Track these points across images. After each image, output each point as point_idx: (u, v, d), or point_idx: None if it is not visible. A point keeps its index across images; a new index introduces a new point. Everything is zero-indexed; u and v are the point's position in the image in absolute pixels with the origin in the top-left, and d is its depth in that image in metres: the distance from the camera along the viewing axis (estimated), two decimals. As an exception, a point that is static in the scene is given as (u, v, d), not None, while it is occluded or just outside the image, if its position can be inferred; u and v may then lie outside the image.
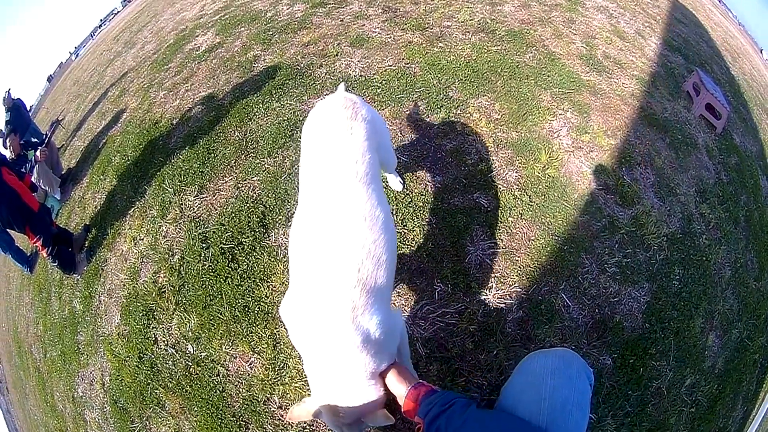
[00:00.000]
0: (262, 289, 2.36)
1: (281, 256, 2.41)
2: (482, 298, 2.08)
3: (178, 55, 4.69)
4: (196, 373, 2.35)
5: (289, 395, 2.08)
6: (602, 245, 2.37)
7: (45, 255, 3.41)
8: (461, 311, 2.05)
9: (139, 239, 3.02)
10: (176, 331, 2.51)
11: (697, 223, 2.86)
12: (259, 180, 2.77)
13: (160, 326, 2.57)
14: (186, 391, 2.34)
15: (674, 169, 3.04)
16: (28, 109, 7.42)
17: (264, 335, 2.23)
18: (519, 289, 2.12)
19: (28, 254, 4.36)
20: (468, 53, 3.26)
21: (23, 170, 4.06)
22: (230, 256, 2.51)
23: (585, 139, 2.79)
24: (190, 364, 2.39)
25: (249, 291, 2.38)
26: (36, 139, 5.23)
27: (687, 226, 2.78)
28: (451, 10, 3.76)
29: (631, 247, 2.45)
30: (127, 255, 3.05)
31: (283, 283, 2.32)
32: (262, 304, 2.32)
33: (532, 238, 2.26)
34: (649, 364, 2.16)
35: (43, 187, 4.29)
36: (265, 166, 2.82)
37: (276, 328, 2.23)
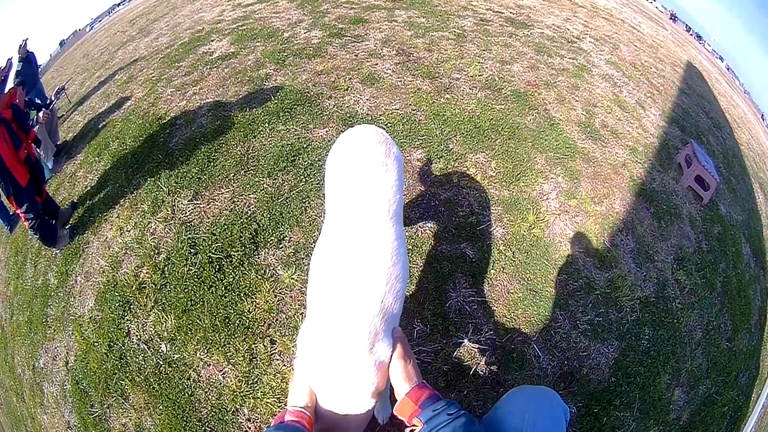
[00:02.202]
0: (246, 303, 2.50)
1: (269, 275, 2.58)
2: (458, 341, 2.35)
3: (191, 55, 4.89)
4: (167, 373, 2.44)
5: (259, 409, 2.20)
6: (577, 303, 2.68)
7: (27, 227, 3.39)
8: (437, 351, 2.29)
9: (126, 230, 3.12)
10: (151, 329, 2.60)
11: (671, 288, 3.16)
12: (255, 198, 2.96)
13: (135, 320, 2.66)
14: (153, 388, 2.42)
15: (655, 237, 3.37)
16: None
17: (241, 348, 2.35)
18: (494, 337, 2.39)
19: (11, 213, 4.26)
20: (473, 108, 3.60)
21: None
22: (217, 266, 2.65)
23: (572, 203, 3.13)
24: (161, 363, 2.48)
25: (232, 303, 2.51)
26: (39, 101, 5.08)
27: (661, 290, 3.09)
28: (462, 62, 4.13)
29: (605, 307, 2.75)
30: (111, 242, 3.14)
31: (267, 301, 2.49)
32: (243, 318, 2.45)
33: (511, 291, 2.57)
34: (613, 414, 2.40)
35: (39, 150, 4.21)
36: (264, 185, 3.02)
37: (254, 344, 2.37)
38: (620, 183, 3.53)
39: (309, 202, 2.88)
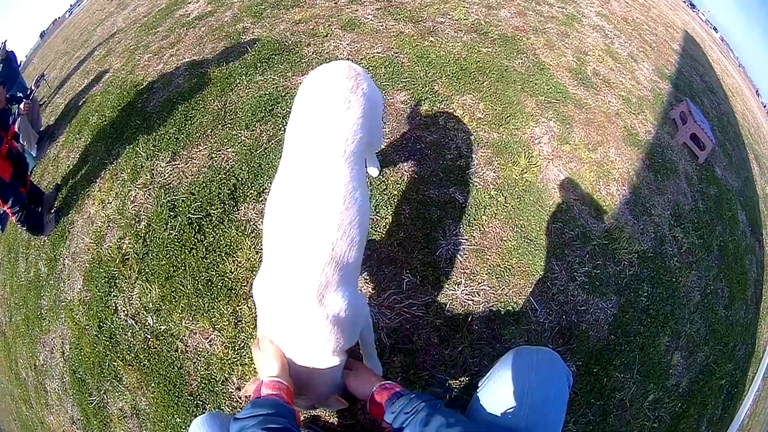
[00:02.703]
0: (227, 263, 2.40)
1: (249, 231, 2.47)
2: (450, 292, 2.19)
3: (168, 19, 4.75)
4: (155, 347, 2.37)
5: (248, 376, 2.11)
6: (573, 254, 2.52)
7: (14, 221, 3.42)
8: (428, 304, 2.14)
9: (107, 202, 3.05)
10: (137, 302, 2.53)
11: (669, 245, 3.03)
12: (233, 152, 2.84)
13: (122, 295, 2.59)
14: (144, 365, 2.36)
15: (651, 191, 3.23)
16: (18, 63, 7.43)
17: (225, 312, 2.26)
18: (487, 288, 2.23)
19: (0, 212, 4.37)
20: (458, 51, 3.40)
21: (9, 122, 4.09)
22: (197, 227, 2.55)
23: (565, 149, 2.95)
24: (149, 336, 2.41)
25: (213, 265, 2.41)
26: (21, 94, 5.15)
27: (659, 246, 2.96)
28: (446, 7, 3.91)
29: (602, 259, 2.60)
30: (94, 218, 3.08)
31: (249, 259, 2.38)
32: (225, 279, 2.35)
33: (504, 238, 2.39)
34: (613, 375, 2.29)
35: (21, 142, 4.28)
36: (242, 138, 2.89)
37: (238, 306, 2.27)
38: (614, 132, 3.37)
39: None
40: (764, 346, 3.80)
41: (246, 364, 2.13)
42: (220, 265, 2.40)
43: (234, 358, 2.16)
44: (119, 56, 4.74)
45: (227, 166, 2.77)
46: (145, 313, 2.47)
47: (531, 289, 2.29)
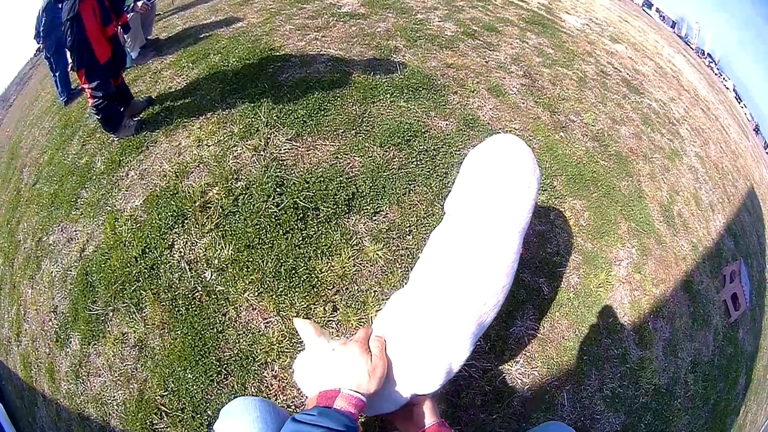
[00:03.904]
0: (320, 262, 2.42)
1: (354, 242, 2.54)
2: (507, 367, 2.48)
3: (317, 1, 4.87)
4: (200, 301, 2.33)
5: (291, 370, 2.07)
6: (609, 369, 2.86)
7: (90, 104, 3.22)
8: (486, 370, 2.39)
9: (205, 144, 3.02)
10: (201, 251, 2.48)
11: (680, 387, 3.34)
12: (360, 162, 2.91)
13: (185, 236, 2.54)
14: (178, 310, 2.32)
15: (685, 335, 3.56)
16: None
17: (298, 305, 2.28)
18: (537, 374, 2.56)
19: (74, 86, 4.32)
20: (580, 155, 3.74)
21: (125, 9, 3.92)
22: (302, 215, 2.58)
23: (636, 278, 3.31)
24: (198, 288, 2.37)
25: (305, 256, 2.42)
26: None
27: (672, 385, 3.27)
28: (580, 107, 4.25)
29: (628, 381, 2.93)
30: (183, 150, 3.04)
31: (343, 267, 2.42)
32: (312, 275, 2.37)
33: (566, 337, 2.75)
34: None
35: (126, 38, 4.24)
36: (373, 153, 2.98)
37: (314, 304, 2.29)
38: (677, 275, 3.70)
39: (415, 187, 2.89)
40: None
41: (295, 358, 1.97)
42: (312, 260, 2.41)
43: (285, 348, 2.17)
44: (257, 12, 4.74)
45: (351, 173, 2.84)
46: (205, 265, 2.42)
47: (568, 387, 2.62)
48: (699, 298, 3.87)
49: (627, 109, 4.78)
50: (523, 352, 2.60)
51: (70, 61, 3.21)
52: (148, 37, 4.63)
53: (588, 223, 3.29)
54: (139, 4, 4.30)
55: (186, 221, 2.58)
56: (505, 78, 4.14)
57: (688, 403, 3.44)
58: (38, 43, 4.24)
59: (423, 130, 3.24)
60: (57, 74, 4.26)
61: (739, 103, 8.71)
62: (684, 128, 5.54)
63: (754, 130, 8.50)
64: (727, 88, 8.88)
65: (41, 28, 4.03)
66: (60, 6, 2.92)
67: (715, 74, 9.07)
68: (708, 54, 9.34)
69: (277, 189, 2.67)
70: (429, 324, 1.35)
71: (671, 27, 10.06)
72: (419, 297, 1.43)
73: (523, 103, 3.93)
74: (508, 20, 5.42)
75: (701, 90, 7.72)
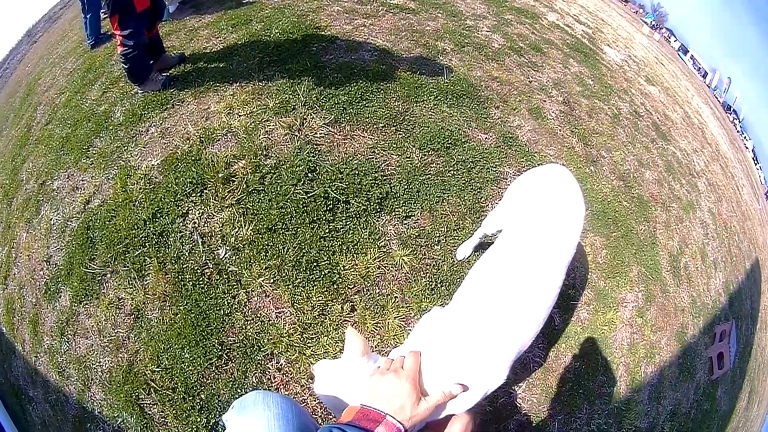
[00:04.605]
0: (345, 258, 2.35)
1: (382, 243, 2.49)
2: (510, 391, 2.54)
3: None
4: (209, 278, 2.23)
5: (299, 366, 2.07)
6: (599, 406, 2.94)
7: (119, 51, 3.05)
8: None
9: (236, 113, 2.90)
10: (217, 226, 2.36)
11: None
12: (397, 161, 2.86)
13: (202, 206, 2.42)
14: (184, 285, 2.21)
15: (670, 385, 3.66)
16: None
17: (315, 299, 2.22)
18: (534, 401, 2.64)
19: (103, 32, 4.23)
20: (606, 192, 3.79)
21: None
22: (331, 206, 2.50)
23: (638, 322, 3.39)
24: (209, 264, 2.26)
25: (329, 250, 2.34)
26: None
27: (650, 430, 3.39)
28: (611, 143, 4.30)
29: (613, 419, 3.01)
30: (211, 115, 2.91)
31: (367, 267, 2.37)
32: (334, 271, 2.30)
33: (568, 369, 2.82)
34: None
35: None
36: (411, 154, 2.96)
37: (332, 301, 2.23)
38: (674, 325, 3.79)
39: (449, 197, 2.88)
40: None
41: (304, 354, 2.07)
42: (337, 255, 2.34)
43: (295, 342, 2.11)
44: (303, -13, 4.64)
45: (386, 171, 2.79)
46: (220, 241, 2.30)
47: (560, 417, 2.70)
48: (689, 351, 3.96)
49: (653, 153, 4.83)
50: (527, 379, 2.68)
51: (104, 5, 3.00)
52: (188, -6, 4.57)
53: (604, 261, 3.36)
54: None
55: (205, 191, 2.47)
56: (545, 101, 4.17)
57: (659, 452, 3.55)
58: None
59: (463, 140, 3.25)
60: (88, 16, 4.17)
61: (756, 164, 8.82)
62: (702, 182, 5.62)
63: (766, 194, 8.62)
64: (747, 148, 8.98)
65: None
66: None
67: (737, 131, 9.16)
68: (734, 110, 9.43)
69: (309, 174, 2.59)
70: (473, 348, 1.36)
71: (703, 77, 10.13)
72: (465, 320, 1.44)
73: (560, 131, 3.97)
74: (552, 42, 5.44)
75: (722, 145, 7.82)
